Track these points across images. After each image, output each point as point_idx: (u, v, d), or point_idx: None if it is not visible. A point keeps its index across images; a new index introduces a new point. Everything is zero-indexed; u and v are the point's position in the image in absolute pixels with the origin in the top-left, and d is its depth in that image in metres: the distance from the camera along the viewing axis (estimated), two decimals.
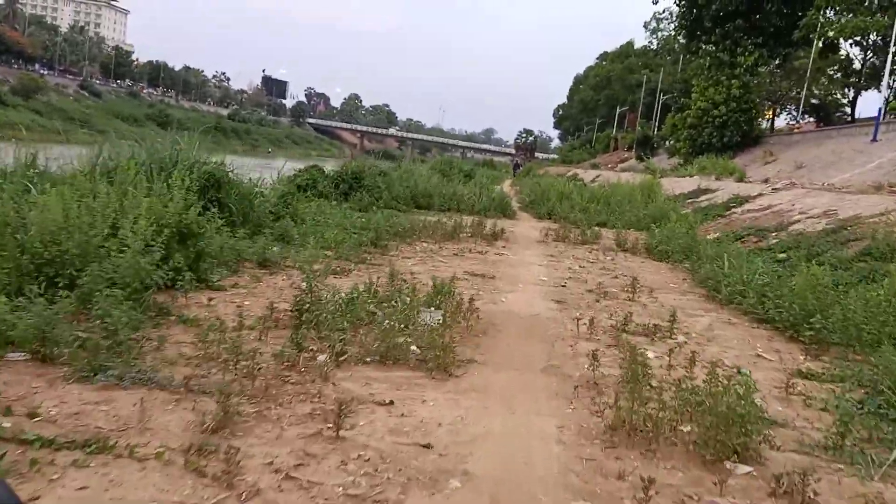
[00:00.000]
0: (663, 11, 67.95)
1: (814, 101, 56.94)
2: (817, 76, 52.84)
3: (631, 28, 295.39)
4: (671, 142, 59.58)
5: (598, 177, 48.61)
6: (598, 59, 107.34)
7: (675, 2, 44.36)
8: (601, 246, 13.60)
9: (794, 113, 57.19)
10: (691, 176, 31.13)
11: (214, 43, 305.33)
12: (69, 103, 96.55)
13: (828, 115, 53.62)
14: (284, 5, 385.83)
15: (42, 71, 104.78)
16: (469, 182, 32.31)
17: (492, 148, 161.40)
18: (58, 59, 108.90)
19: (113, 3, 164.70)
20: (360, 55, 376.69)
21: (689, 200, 22.37)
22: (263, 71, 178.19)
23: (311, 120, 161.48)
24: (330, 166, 24.50)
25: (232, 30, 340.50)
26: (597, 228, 16.23)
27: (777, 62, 43.33)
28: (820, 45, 41.97)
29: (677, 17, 44.98)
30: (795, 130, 41.29)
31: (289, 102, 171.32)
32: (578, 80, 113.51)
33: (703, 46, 42.83)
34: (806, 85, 42.50)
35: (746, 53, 40.72)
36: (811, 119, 57.99)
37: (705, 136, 42.10)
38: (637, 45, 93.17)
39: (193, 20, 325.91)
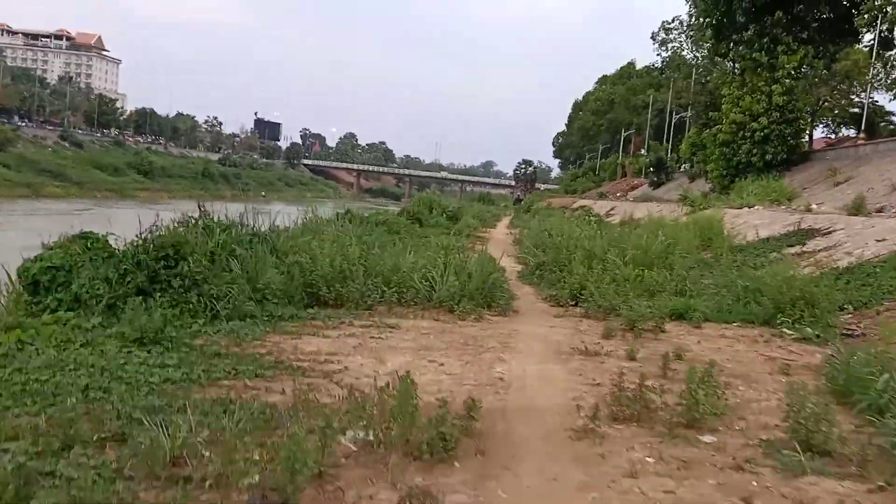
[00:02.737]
0: (672, 21, 59.95)
1: (853, 109, 48.70)
2: (861, 79, 44.51)
3: (629, 51, 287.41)
4: (691, 164, 51.12)
5: (612, 209, 40.00)
6: (597, 83, 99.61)
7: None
8: (752, 443, 4.76)
9: (831, 125, 48.98)
10: (749, 206, 22.42)
11: (207, 88, 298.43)
12: (44, 155, 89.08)
13: (872, 126, 45.13)
14: (279, 50, 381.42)
15: (19, 123, 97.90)
16: (453, 227, 23.72)
17: (491, 181, 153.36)
18: (36, 110, 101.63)
19: (104, 53, 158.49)
20: (355, 94, 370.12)
21: (793, 249, 13.63)
22: (256, 114, 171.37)
23: (306, 161, 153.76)
24: (325, 210, 16.48)
25: (225, 75, 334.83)
26: (682, 343, 7.56)
27: (825, 63, 34.79)
28: (872, 36, 33.71)
29: (701, 12, 36.55)
30: (860, 143, 32.62)
31: (283, 144, 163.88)
32: (578, 107, 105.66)
33: (735, 47, 34.36)
34: (868, 87, 34.05)
35: (789, 53, 32.26)
36: (846, 132, 49.71)
37: (742, 154, 33.49)
38: (640, 66, 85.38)
39: (186, 67, 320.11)
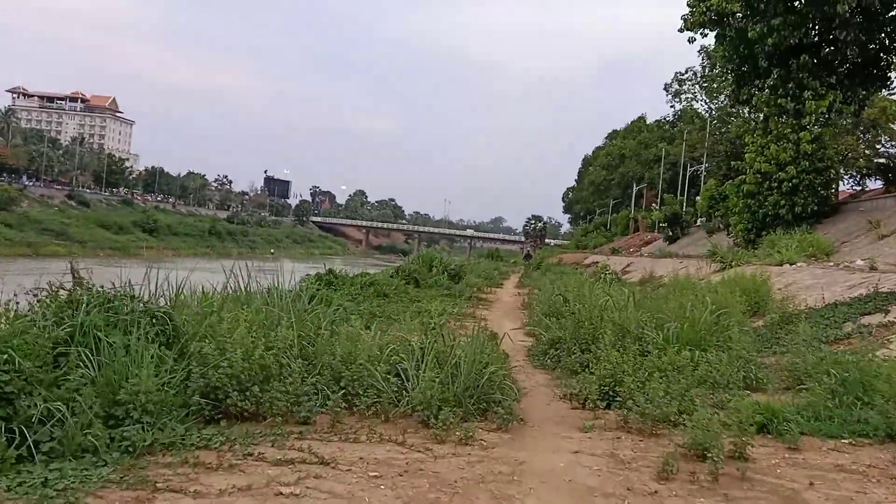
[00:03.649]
0: (685, 72, 58.21)
1: (879, 160, 46.23)
2: (888, 128, 42.14)
3: (639, 107, 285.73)
4: (708, 218, 48.52)
5: (629, 266, 37.21)
6: (607, 138, 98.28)
7: (712, 42, 34.13)
8: None
9: (855, 176, 46.50)
10: (791, 263, 19.57)
11: (218, 148, 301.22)
12: (48, 214, 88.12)
13: None
14: (289, 110, 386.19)
15: (26, 182, 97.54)
16: (454, 287, 20.97)
17: (500, 237, 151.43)
18: (44, 169, 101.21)
19: (118, 114, 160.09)
20: (366, 152, 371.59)
21: (873, 318, 10.72)
22: (265, 172, 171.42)
23: (315, 218, 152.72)
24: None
25: (235, 135, 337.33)
26: (786, 489, 4.69)
27: (854, 109, 32.39)
28: None
29: (720, 57, 34.50)
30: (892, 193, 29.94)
31: (293, 202, 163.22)
32: (588, 161, 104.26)
33: (758, 93, 32.05)
34: None
35: (817, 98, 29.85)
36: (870, 183, 47.22)
37: (769, 205, 30.72)
38: (650, 120, 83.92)
39: (197, 128, 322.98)
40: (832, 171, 31.64)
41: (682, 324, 9.02)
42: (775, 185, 30.49)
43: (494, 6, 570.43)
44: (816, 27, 30.37)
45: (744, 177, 32.54)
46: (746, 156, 32.34)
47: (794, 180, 30.01)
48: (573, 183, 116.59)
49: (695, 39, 33.08)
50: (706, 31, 33.40)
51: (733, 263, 21.39)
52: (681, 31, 33.44)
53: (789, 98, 30.38)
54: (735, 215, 33.38)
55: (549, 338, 9.70)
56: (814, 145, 29.92)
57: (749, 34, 29.72)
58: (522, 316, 15.36)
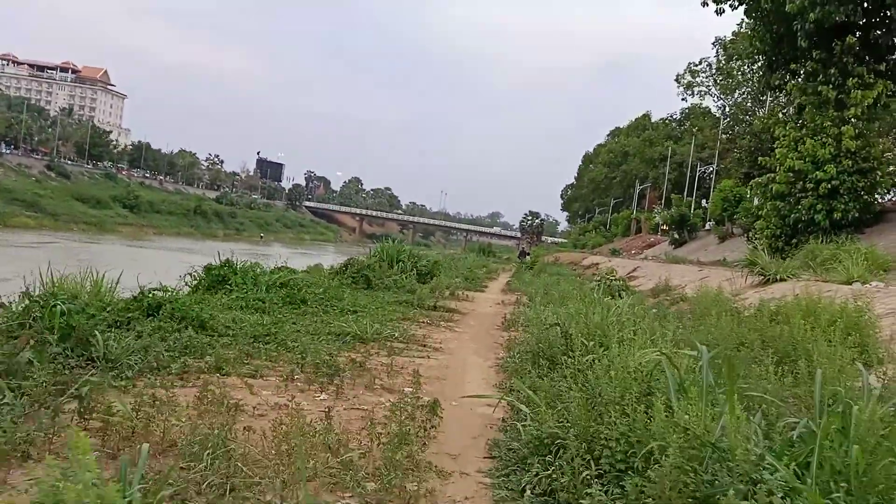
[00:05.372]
0: (699, 63, 53.19)
1: None
2: None
3: (641, 106, 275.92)
4: (719, 221, 43.76)
5: (635, 270, 32.33)
6: (609, 135, 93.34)
7: (743, 15, 29.12)
8: None
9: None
10: (863, 282, 14.69)
11: (211, 128, 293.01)
12: (22, 183, 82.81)
13: None
14: (285, 93, 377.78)
15: (5, 150, 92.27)
16: (421, 289, 15.99)
17: (496, 231, 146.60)
18: (23, 137, 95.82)
19: (109, 87, 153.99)
20: (363, 140, 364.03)
21: None
22: (258, 153, 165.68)
23: (308, 203, 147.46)
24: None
25: (229, 115, 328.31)
26: None
27: None
28: None
29: (748, 37, 29.61)
30: None
31: (285, 185, 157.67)
32: (588, 159, 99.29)
33: (793, 78, 27.13)
34: None
35: (864, 87, 24.91)
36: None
37: (802, 209, 25.76)
38: (654, 118, 78.98)
39: (192, 105, 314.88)
40: (878, 172, 26.70)
41: (828, 423, 4.07)
42: (811, 185, 25.50)
43: (496, 1, 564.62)
44: (864, 4, 25.47)
45: (772, 175, 27.58)
46: (777, 151, 27.34)
47: (833, 181, 25.02)
48: (572, 180, 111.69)
49: (723, 11, 28.03)
50: (735, 2, 28.41)
51: (778, 276, 16.48)
52: (704, 4, 28.52)
53: (830, 86, 25.44)
54: (760, 219, 28.46)
55: (536, 434, 4.67)
56: (858, 142, 24.97)
57: (787, 7, 24.71)
58: (501, 342, 10.37)
